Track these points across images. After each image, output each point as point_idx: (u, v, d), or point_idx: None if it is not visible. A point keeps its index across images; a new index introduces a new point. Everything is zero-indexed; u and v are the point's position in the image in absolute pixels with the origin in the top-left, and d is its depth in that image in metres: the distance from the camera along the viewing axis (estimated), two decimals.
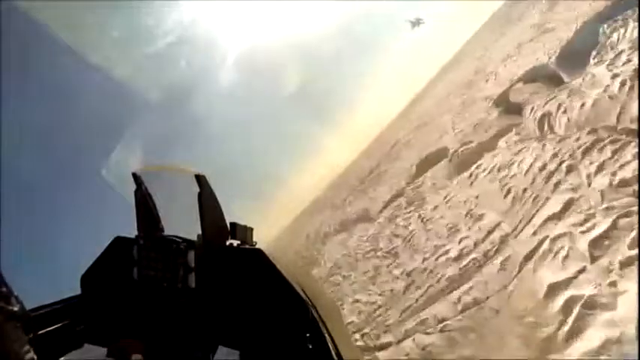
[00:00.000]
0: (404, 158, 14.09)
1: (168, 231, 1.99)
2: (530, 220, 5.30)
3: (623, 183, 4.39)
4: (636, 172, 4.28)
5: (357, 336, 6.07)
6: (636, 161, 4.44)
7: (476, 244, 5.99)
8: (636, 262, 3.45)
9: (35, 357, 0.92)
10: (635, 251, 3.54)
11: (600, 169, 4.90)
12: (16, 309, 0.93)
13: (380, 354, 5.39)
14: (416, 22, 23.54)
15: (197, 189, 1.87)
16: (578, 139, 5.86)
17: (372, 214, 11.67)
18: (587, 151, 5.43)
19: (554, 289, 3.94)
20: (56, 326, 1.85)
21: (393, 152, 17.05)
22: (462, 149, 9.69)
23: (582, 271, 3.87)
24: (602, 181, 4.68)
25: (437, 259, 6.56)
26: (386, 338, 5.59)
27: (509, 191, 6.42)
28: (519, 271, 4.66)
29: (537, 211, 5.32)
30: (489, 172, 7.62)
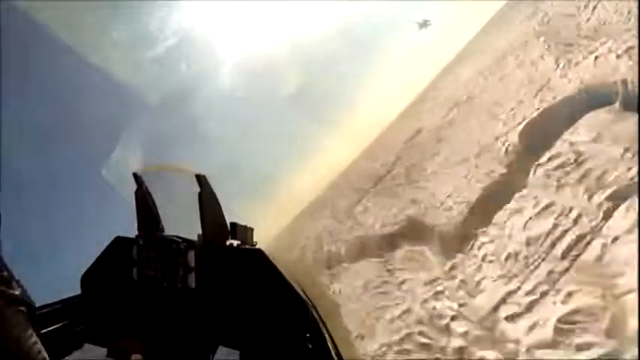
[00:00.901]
0: (459, 140, 9.01)
1: (169, 231, 1.99)
2: None
3: None
4: None
5: None
6: None
7: None
8: None
9: (38, 341, 0.90)
10: None
11: None
12: (17, 293, 0.91)
13: None
14: (423, 24, 23.67)
15: (197, 189, 1.88)
16: None
17: (452, 232, 5.62)
18: None
19: None
20: (56, 326, 1.85)
21: (418, 143, 12.69)
22: None
23: None
24: None
25: None
26: None
27: None
28: None
29: None
30: None
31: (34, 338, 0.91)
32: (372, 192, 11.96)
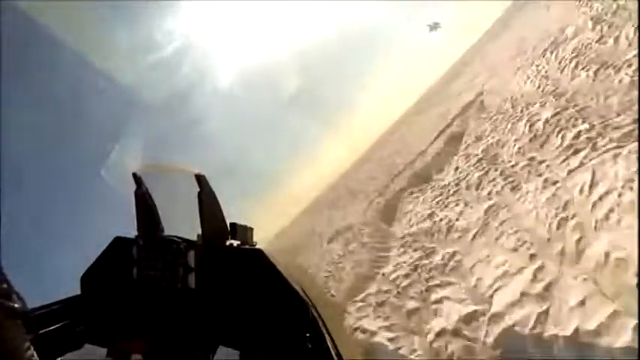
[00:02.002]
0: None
1: (168, 231, 1.99)
2: None
3: None
4: None
5: None
6: None
7: None
8: None
9: (35, 354, 0.92)
10: None
11: None
12: (16, 305, 0.92)
13: None
14: (434, 26, 24.35)
15: (197, 189, 1.87)
16: None
17: None
18: None
19: None
20: (56, 326, 1.85)
21: (472, 119, 8.85)
22: None
23: None
24: None
25: None
26: None
27: None
28: None
29: None
30: None
31: (32, 351, 0.92)
32: (412, 192, 7.71)
